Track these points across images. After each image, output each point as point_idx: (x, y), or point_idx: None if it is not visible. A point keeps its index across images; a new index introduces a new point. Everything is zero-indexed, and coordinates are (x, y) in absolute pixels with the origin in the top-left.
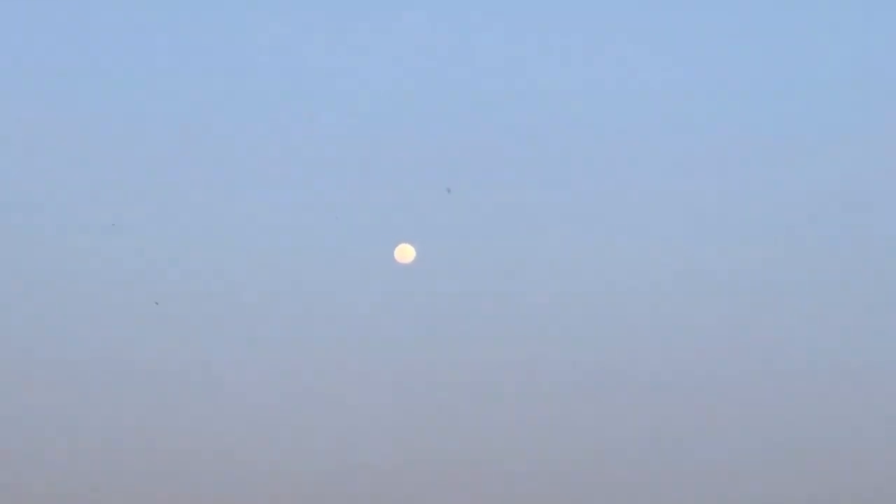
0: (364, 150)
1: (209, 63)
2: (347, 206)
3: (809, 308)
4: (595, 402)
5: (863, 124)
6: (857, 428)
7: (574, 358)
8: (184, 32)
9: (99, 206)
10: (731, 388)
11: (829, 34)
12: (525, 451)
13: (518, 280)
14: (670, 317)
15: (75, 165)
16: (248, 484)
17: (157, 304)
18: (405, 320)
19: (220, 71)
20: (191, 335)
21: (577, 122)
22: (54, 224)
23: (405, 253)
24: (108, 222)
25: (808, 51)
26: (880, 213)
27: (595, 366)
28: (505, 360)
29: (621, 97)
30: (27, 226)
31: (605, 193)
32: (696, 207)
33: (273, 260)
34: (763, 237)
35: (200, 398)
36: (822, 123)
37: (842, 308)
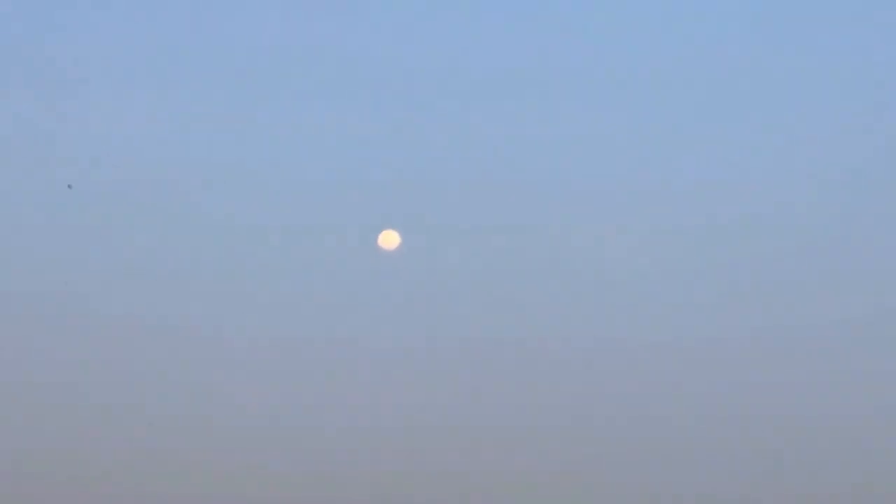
0: (349, 138)
1: (207, 55)
2: (333, 192)
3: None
4: (581, 383)
5: (864, 121)
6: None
7: (561, 340)
8: (188, 24)
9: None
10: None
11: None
12: (510, 436)
13: (503, 265)
14: (666, 313)
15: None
16: (238, 480)
17: (69, 187)
18: (389, 305)
19: (219, 61)
20: (180, 314)
21: (572, 116)
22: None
23: (389, 238)
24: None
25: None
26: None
27: (581, 346)
28: (489, 343)
29: (620, 94)
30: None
31: (588, 182)
32: (694, 202)
33: (262, 245)
34: (765, 233)
35: (194, 369)
36: (825, 119)
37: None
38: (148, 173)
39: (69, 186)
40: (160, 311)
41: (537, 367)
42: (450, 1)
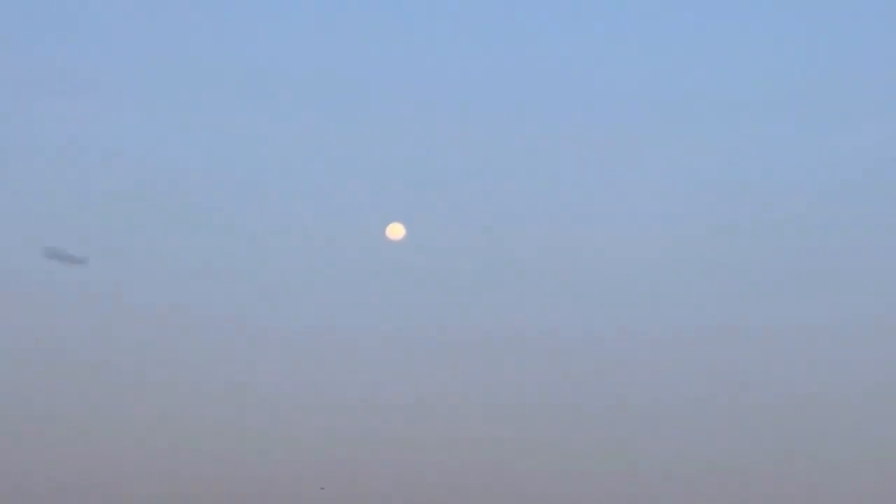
0: (360, 138)
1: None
2: (345, 190)
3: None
4: (579, 368)
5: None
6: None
7: (557, 326)
8: (191, 32)
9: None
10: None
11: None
12: (510, 419)
13: (507, 257)
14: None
15: None
16: (242, 473)
17: None
18: (395, 289)
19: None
20: (194, 299)
21: (571, 110)
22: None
23: (396, 230)
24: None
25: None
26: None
27: (582, 337)
28: (489, 326)
29: (620, 93)
30: None
31: (588, 180)
32: (690, 199)
33: (273, 235)
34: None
35: (207, 350)
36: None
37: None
38: (161, 174)
39: None
40: (177, 304)
41: (537, 352)
42: (457, 15)
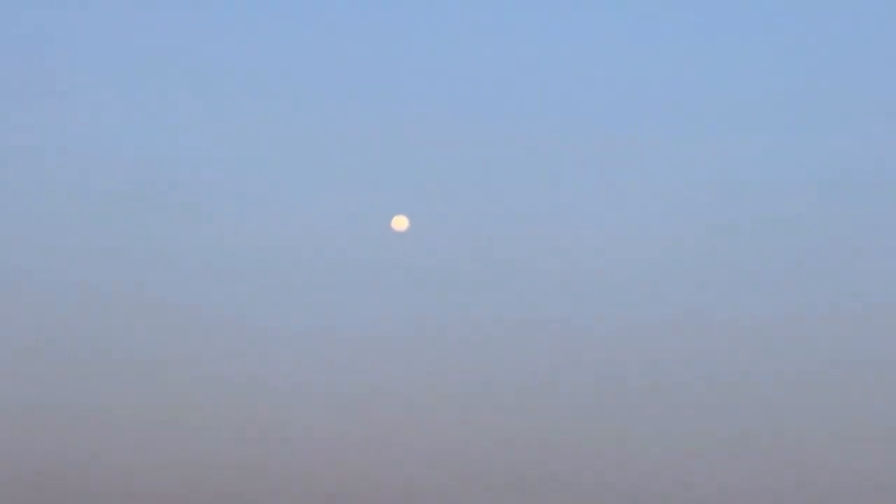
0: (361, 137)
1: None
2: (350, 182)
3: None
4: (580, 367)
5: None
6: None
7: (558, 324)
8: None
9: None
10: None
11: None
12: (511, 419)
13: (500, 255)
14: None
15: None
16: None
17: None
18: (398, 280)
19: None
20: (193, 291)
21: (571, 110)
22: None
23: (400, 222)
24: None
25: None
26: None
27: (578, 332)
28: (493, 318)
29: (620, 80)
30: None
31: (588, 180)
32: (694, 191)
33: (277, 228)
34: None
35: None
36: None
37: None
38: (161, 174)
39: None
40: (177, 300)
41: (538, 351)
42: (457, 15)
